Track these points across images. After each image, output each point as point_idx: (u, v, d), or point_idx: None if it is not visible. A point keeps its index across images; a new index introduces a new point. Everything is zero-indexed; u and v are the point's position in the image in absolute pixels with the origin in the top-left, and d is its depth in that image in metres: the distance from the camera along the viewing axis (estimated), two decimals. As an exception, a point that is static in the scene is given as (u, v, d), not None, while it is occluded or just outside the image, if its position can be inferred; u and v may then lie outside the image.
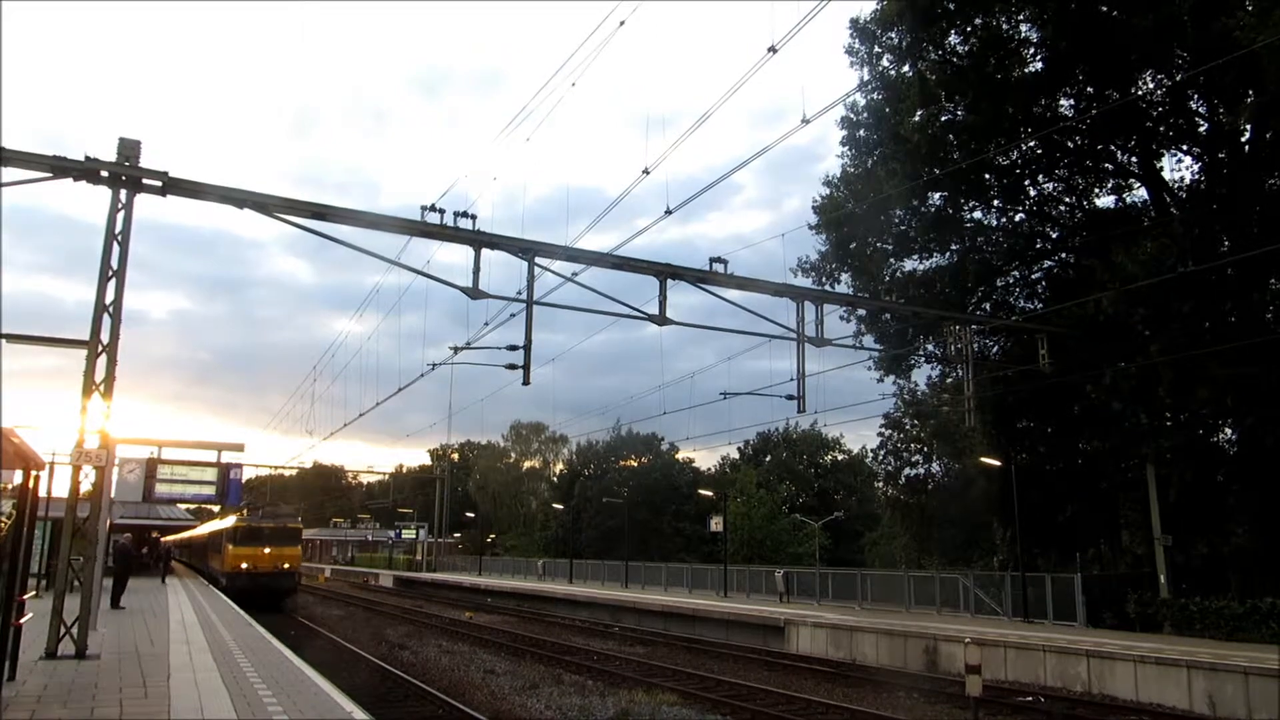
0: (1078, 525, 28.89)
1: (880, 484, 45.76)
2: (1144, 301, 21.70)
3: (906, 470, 34.68)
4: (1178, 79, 24.19)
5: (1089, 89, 26.37)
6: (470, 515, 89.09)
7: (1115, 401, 23.35)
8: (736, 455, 74.91)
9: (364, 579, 73.29)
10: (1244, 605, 19.59)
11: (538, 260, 17.14)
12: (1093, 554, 28.60)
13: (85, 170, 13.65)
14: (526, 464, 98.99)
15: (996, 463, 27.06)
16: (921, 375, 32.37)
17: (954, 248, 29.49)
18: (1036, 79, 25.96)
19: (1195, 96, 24.97)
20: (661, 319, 17.91)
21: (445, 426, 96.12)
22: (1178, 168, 27.76)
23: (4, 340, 12.73)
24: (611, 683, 17.52)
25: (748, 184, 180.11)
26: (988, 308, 30.11)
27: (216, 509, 42.82)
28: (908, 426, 33.86)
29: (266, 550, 33.93)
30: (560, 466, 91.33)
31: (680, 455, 68.71)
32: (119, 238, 13.70)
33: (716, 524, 43.56)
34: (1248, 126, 23.34)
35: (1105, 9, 23.75)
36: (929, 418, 32.19)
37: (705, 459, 78.34)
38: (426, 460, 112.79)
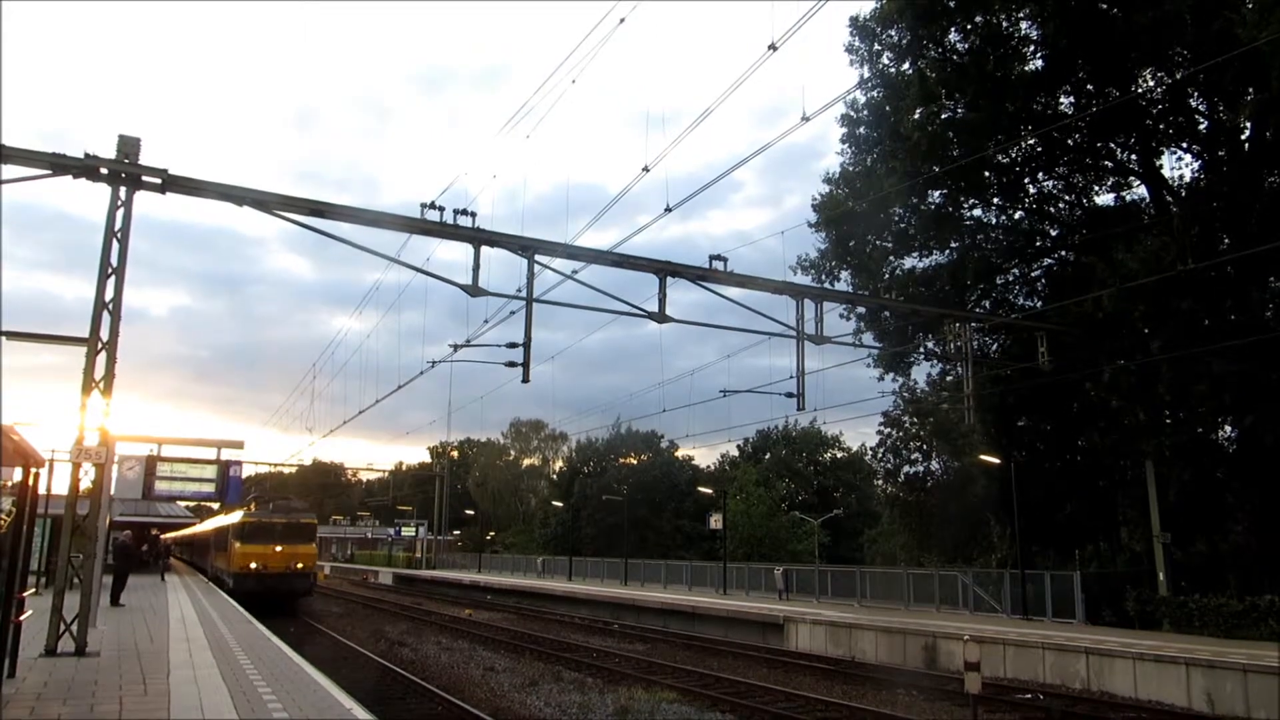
0: (1077, 523, 28.95)
1: (879, 482, 45.79)
2: (1143, 299, 21.69)
3: (906, 468, 34.71)
4: (1178, 76, 24.20)
5: (1089, 86, 26.38)
6: (470, 513, 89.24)
7: (1114, 399, 23.34)
8: (736, 453, 74.86)
9: (363, 576, 73.36)
10: (1243, 603, 19.62)
11: (537, 258, 17.14)
12: (1091, 551, 28.66)
13: (85, 168, 13.65)
14: (526, 461, 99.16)
15: (996, 460, 27.10)
16: (921, 373, 32.51)
17: (954, 245, 29.51)
18: (1036, 76, 26.00)
19: (1195, 94, 24.97)
20: (661, 316, 17.93)
21: (445, 424, 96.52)
22: (1178, 165, 27.91)
23: (4, 337, 12.72)
24: (611, 680, 17.55)
25: (748, 181, 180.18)
26: (987, 305, 30.14)
27: (216, 506, 42.59)
28: (907, 424, 33.89)
29: (279, 548, 30.46)
30: (560, 464, 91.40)
31: (680, 453, 68.76)
32: (118, 235, 13.71)
33: (716, 521, 43.56)
34: (1248, 124, 23.36)
35: (1105, 6, 23.77)
36: (928, 415, 32.23)
37: (705, 456, 78.62)
38: (426, 457, 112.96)
